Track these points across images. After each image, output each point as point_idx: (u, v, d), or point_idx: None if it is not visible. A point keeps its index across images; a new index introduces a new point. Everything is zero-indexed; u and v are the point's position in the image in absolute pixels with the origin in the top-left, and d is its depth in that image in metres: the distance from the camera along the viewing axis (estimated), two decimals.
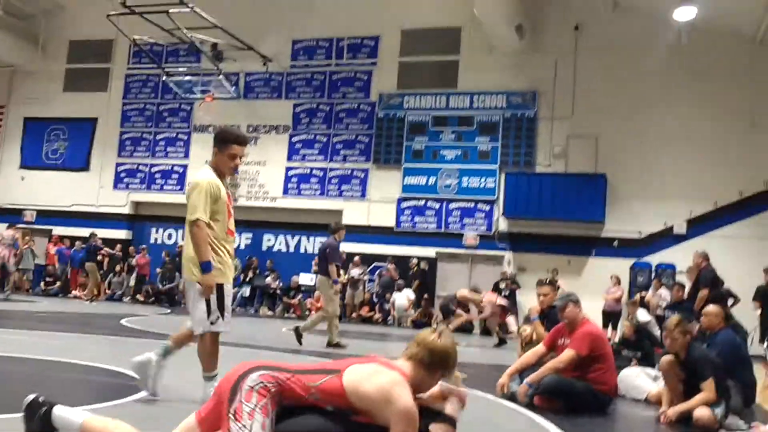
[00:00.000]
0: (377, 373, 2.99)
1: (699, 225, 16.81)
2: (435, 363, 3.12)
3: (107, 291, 19.70)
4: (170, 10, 16.66)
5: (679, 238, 16.89)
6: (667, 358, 5.85)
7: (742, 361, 6.58)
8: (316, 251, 19.86)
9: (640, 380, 7.11)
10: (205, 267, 4.61)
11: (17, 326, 9.79)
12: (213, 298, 4.72)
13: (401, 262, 18.53)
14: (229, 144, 4.83)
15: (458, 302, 13.85)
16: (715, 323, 6.58)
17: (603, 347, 6.11)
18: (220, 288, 4.75)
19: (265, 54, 20.31)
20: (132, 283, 19.80)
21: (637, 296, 15.12)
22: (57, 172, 22.39)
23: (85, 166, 22.19)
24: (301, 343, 9.77)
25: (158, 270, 19.54)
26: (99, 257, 18.25)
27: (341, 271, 11.79)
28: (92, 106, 22.29)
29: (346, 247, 19.23)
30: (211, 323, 4.73)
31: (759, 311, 13.36)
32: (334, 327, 10.03)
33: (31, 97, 22.93)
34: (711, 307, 6.58)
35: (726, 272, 13.37)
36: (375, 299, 18.42)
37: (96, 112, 22.33)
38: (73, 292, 19.25)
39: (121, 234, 21.45)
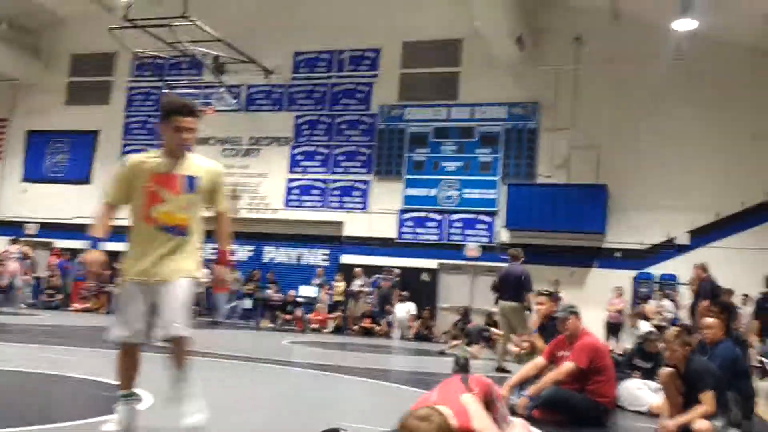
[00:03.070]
0: None
1: (701, 236, 16.78)
2: None
3: (109, 303, 19.65)
4: (172, 24, 16.74)
5: (682, 249, 16.85)
6: (666, 371, 5.82)
7: (742, 373, 6.56)
8: (318, 263, 20.07)
9: (641, 392, 7.08)
10: (90, 243, 4.19)
11: (19, 340, 9.78)
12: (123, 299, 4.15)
13: (404, 273, 18.49)
14: (171, 115, 4.12)
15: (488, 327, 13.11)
16: (718, 335, 6.57)
17: (603, 359, 6.09)
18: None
19: (267, 66, 20.37)
20: None
21: (639, 307, 15.11)
22: (59, 185, 22.44)
23: (87, 179, 22.24)
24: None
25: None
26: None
27: None
28: (94, 119, 22.37)
29: (347, 259, 19.32)
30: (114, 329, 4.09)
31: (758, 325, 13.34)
32: (506, 352, 9.96)
33: (33, 110, 23.02)
34: (711, 320, 6.56)
35: (728, 283, 13.38)
36: (375, 311, 18.35)
37: (98, 124, 22.41)
38: (74, 305, 19.23)
39: (124, 246, 21.41)
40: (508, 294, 10.24)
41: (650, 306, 15.57)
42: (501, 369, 9.73)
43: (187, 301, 4.10)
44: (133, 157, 4.20)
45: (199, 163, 4.19)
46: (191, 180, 4.14)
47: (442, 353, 12.46)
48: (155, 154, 4.17)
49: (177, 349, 4.06)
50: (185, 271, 4.14)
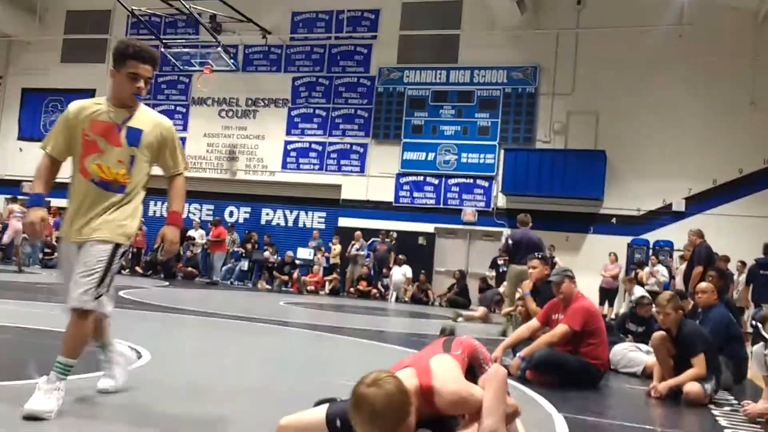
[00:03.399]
0: None
1: (698, 203, 16.82)
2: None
3: None
4: None
5: (678, 216, 16.91)
6: (658, 334, 5.89)
7: (734, 337, 6.64)
8: (315, 225, 20.13)
9: (633, 353, 7.16)
10: (29, 201, 3.76)
11: (18, 297, 9.84)
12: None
13: (401, 237, 18.56)
14: (128, 60, 3.67)
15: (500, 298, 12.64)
16: (711, 300, 6.65)
17: (596, 322, 6.14)
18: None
19: (265, 26, 20.20)
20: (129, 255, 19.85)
21: (633, 273, 15.21)
22: None
23: None
24: None
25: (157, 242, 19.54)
26: None
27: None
28: (90, 77, 22.12)
29: (344, 222, 19.35)
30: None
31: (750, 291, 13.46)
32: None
33: (28, 68, 22.80)
34: (704, 284, 6.62)
35: (725, 250, 13.48)
36: (372, 274, 18.46)
37: (94, 83, 22.15)
38: None
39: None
40: (521, 257, 10.17)
41: (644, 271, 15.71)
42: (505, 333, 9.79)
43: (98, 269, 3.52)
44: (76, 103, 3.76)
45: (147, 117, 3.79)
46: (135, 133, 3.71)
47: (458, 317, 12.29)
48: (100, 100, 3.78)
49: (71, 324, 3.52)
50: (108, 233, 3.60)
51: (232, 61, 19.68)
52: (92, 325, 3.64)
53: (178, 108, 21.40)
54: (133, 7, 18.85)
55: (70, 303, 3.50)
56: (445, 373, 3.01)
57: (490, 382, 3.02)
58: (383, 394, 2.60)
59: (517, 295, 8.92)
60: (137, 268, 19.35)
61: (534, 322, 6.43)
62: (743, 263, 14.62)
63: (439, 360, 3.15)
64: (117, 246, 3.61)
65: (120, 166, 3.67)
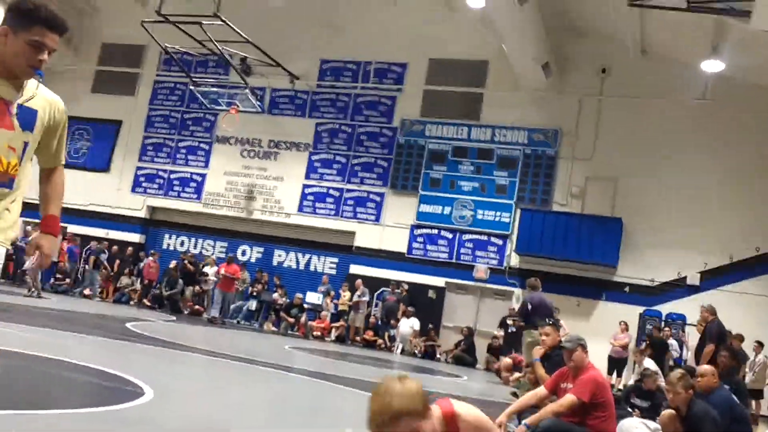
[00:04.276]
0: None
1: (713, 278, 16.66)
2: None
3: (115, 292, 19.79)
4: (203, 22, 16.93)
5: (692, 290, 16.74)
6: (668, 412, 5.80)
7: (739, 419, 6.51)
8: (326, 271, 20.12)
9: (638, 431, 7.02)
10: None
11: (25, 322, 9.85)
12: None
13: (411, 289, 18.48)
14: (34, 24, 2.91)
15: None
16: (711, 383, 6.54)
17: (605, 395, 6.04)
18: None
19: (293, 72, 20.55)
20: (139, 287, 19.87)
21: (644, 345, 14.99)
22: (77, 171, 22.56)
23: (105, 168, 22.43)
24: None
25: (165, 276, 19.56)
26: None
27: None
28: (118, 109, 22.57)
29: (356, 269, 19.34)
30: None
31: None
32: None
33: (59, 96, 23.21)
34: (705, 367, 6.53)
35: (738, 329, 13.29)
36: (379, 324, 18.35)
37: (122, 115, 22.61)
38: (84, 291, 19.37)
39: (135, 237, 21.60)
40: (535, 322, 10.05)
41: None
42: (516, 395, 9.66)
43: None
44: None
45: (42, 95, 3.13)
46: (30, 114, 3.03)
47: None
48: None
49: None
50: (2, 237, 3.08)
51: (258, 103, 19.99)
52: None
53: (201, 145, 21.68)
54: (167, 45, 19.27)
55: None
56: (467, 406, 3.03)
57: None
58: (404, 389, 2.62)
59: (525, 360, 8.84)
60: (145, 301, 19.36)
61: (542, 390, 6.33)
62: (760, 344, 14.36)
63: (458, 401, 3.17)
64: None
65: (11, 154, 2.98)
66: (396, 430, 2.56)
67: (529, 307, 10.90)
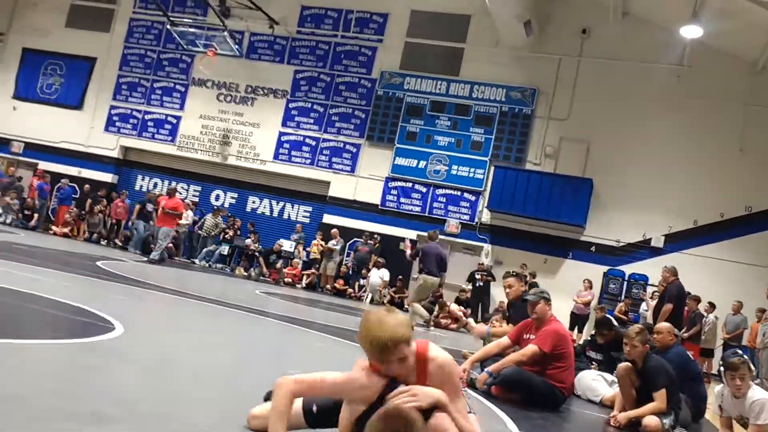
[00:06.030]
0: None
1: (677, 241, 17.06)
2: (370, 353, 2.94)
3: (85, 232, 19.66)
4: None
5: (656, 252, 17.14)
6: (624, 365, 6.03)
7: (693, 376, 6.80)
8: (299, 219, 20.19)
9: (596, 383, 7.31)
10: None
11: None
12: None
13: (382, 240, 18.66)
14: None
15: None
16: (666, 340, 6.80)
17: (566, 347, 6.27)
18: None
19: (273, 16, 20.23)
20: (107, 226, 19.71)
21: (621, 305, 15.36)
22: (50, 107, 22.23)
23: (78, 105, 22.04)
24: None
25: (132, 218, 19.11)
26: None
27: None
28: (93, 46, 22.08)
29: (329, 219, 19.43)
30: None
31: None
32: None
33: (32, 28, 22.65)
34: (662, 325, 6.78)
35: (697, 291, 13.69)
36: (350, 274, 18.54)
37: (96, 51, 22.13)
38: (54, 229, 19.20)
39: (107, 177, 21.40)
40: (428, 269, 12.46)
41: (621, 306, 15.92)
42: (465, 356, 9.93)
43: None
44: None
45: None
46: None
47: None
48: None
49: None
50: None
51: (236, 46, 19.70)
52: None
53: (177, 86, 21.37)
54: None
55: None
56: (442, 351, 3.16)
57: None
58: (393, 319, 2.90)
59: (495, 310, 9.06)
60: (117, 240, 19.28)
61: (505, 340, 6.54)
62: (712, 305, 14.85)
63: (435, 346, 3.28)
64: None
65: None
66: (393, 355, 2.85)
67: (420, 254, 12.82)
